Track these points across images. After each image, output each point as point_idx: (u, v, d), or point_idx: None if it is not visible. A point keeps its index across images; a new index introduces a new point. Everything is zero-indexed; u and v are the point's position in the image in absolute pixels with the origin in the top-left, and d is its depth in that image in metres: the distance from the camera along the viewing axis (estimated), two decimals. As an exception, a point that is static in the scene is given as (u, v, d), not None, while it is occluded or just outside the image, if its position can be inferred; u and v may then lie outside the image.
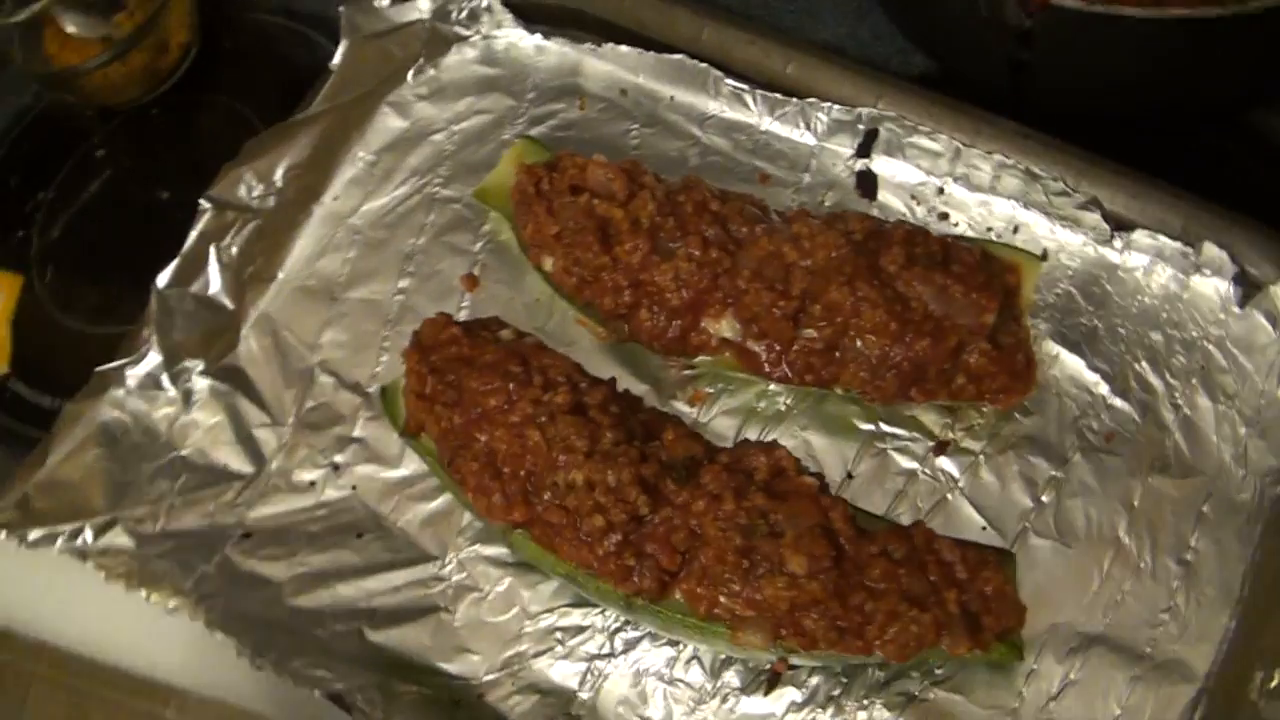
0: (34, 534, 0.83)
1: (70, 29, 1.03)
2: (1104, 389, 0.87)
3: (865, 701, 0.77)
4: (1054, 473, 0.84)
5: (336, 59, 1.00)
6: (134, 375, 0.89)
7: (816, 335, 0.82)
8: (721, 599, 0.73)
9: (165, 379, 0.90)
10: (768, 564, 0.73)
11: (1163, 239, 0.90)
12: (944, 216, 0.96)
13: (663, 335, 0.83)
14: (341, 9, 1.01)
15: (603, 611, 0.81)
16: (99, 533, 0.84)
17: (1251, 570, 0.78)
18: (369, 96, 1.01)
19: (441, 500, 0.85)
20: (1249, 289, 0.88)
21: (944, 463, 0.86)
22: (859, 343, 0.81)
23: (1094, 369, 0.88)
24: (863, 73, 0.99)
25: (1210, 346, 0.87)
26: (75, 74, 1.04)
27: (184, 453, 0.88)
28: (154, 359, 0.90)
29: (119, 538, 0.84)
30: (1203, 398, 0.86)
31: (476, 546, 0.84)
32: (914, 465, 0.86)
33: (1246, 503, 0.81)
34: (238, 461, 0.88)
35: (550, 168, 0.89)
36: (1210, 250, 0.88)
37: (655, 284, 0.82)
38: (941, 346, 0.81)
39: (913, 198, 0.97)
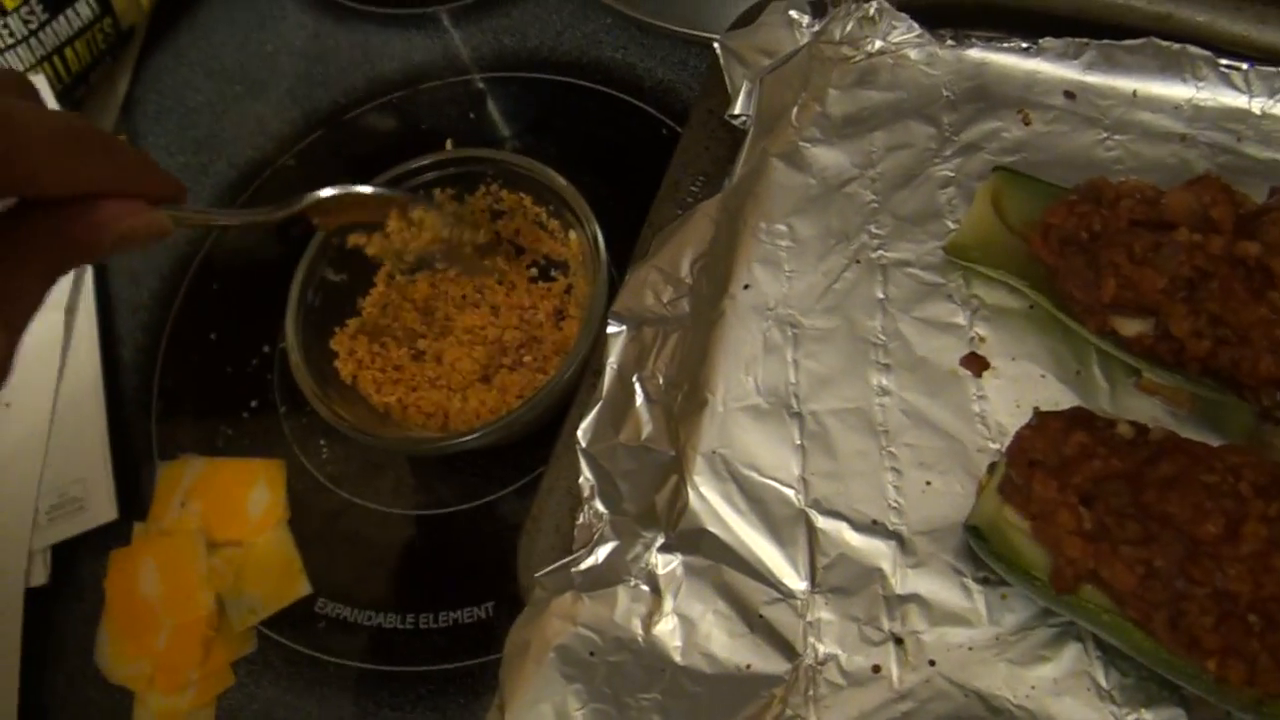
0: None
1: None
2: None
3: None
4: None
5: (740, 106, 0.94)
6: (584, 574, 0.80)
7: None
8: None
9: (623, 568, 0.80)
10: None
11: None
12: None
13: (1335, 396, 0.75)
14: (717, 45, 0.96)
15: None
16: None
17: None
18: (757, 154, 0.94)
19: (1067, 656, 0.75)
20: None
21: None
22: None
23: None
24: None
25: None
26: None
27: (682, 662, 0.77)
28: (607, 546, 0.80)
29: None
30: None
31: (1141, 713, 0.73)
32: None
33: None
34: (762, 659, 0.77)
35: (1093, 201, 0.81)
36: None
37: None
38: None
39: None
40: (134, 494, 1.02)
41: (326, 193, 0.88)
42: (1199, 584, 0.68)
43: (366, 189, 0.89)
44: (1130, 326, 0.80)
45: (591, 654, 0.77)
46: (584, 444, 0.83)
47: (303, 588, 0.95)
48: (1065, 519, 0.71)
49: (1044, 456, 0.74)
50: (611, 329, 0.86)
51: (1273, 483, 0.71)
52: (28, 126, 0.61)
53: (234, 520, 0.99)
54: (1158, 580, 0.68)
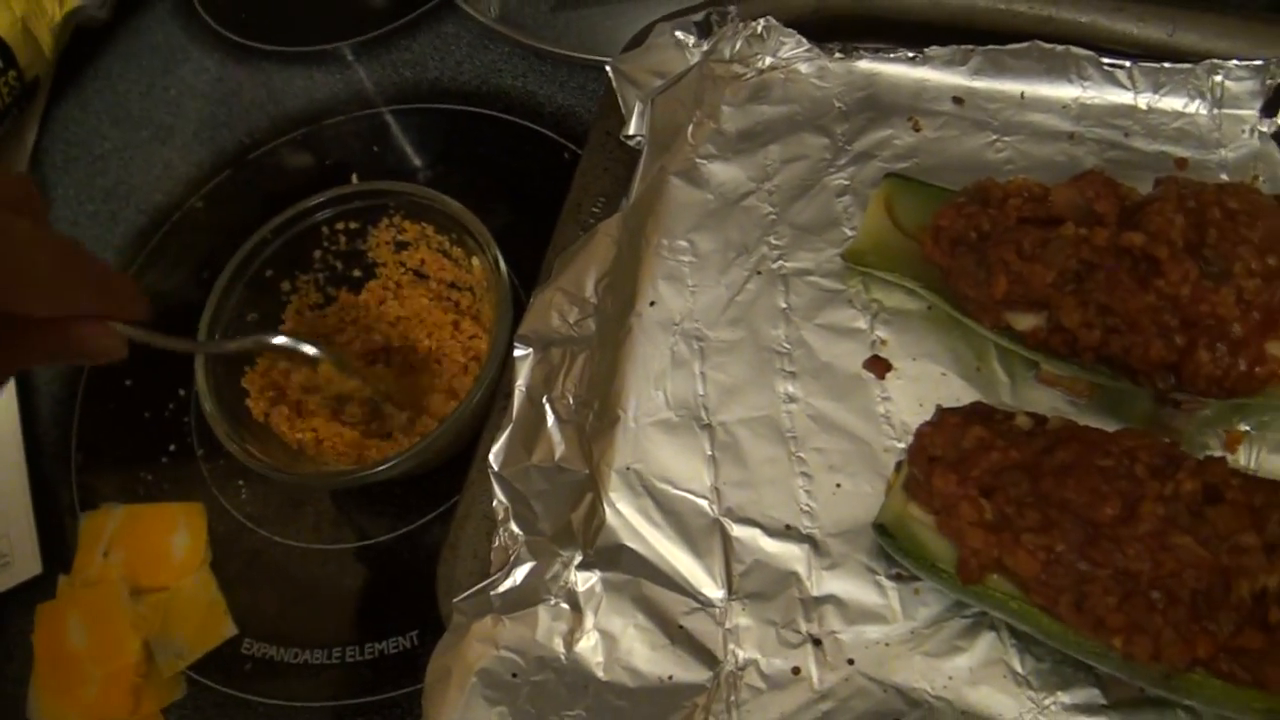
0: None
1: None
2: None
3: None
4: None
5: (634, 126, 0.96)
6: (502, 596, 0.80)
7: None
8: None
9: (542, 588, 0.80)
10: None
11: None
12: (1390, 158, 0.93)
13: (1226, 376, 0.77)
14: (608, 68, 0.98)
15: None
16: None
17: None
18: (655, 172, 0.95)
19: (982, 645, 0.77)
20: None
21: None
22: None
23: None
24: (1260, 20, 0.96)
25: None
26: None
27: (604, 677, 0.77)
28: (524, 567, 0.80)
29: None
30: None
31: (1058, 696, 0.74)
32: None
33: None
34: (684, 669, 0.77)
35: (980, 202, 0.83)
36: None
37: (1215, 315, 0.76)
38: None
39: (1344, 146, 0.94)
40: (59, 546, 1.01)
41: (277, 341, 0.91)
42: (1100, 565, 0.69)
43: (312, 350, 0.90)
44: (1023, 321, 0.81)
45: (514, 675, 0.77)
46: (496, 467, 0.83)
47: (228, 629, 0.94)
48: (966, 511, 0.72)
49: (943, 452, 0.75)
50: (518, 352, 0.87)
51: (1168, 463, 0.72)
52: (29, 252, 0.61)
53: (157, 566, 0.99)
54: (1060, 565, 0.70)
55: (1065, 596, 0.69)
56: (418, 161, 1.16)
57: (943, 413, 0.78)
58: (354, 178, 1.12)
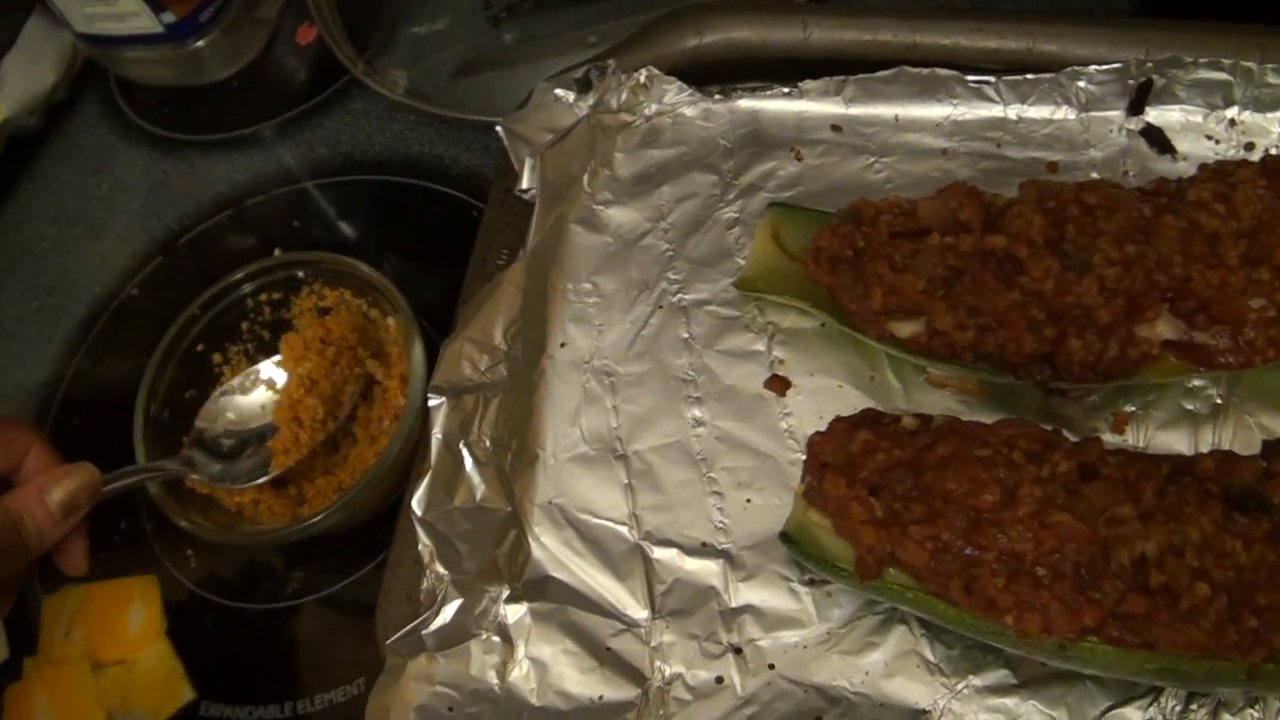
0: None
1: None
2: None
3: None
4: None
5: (527, 180, 0.98)
6: (434, 634, 0.80)
7: (1267, 302, 0.79)
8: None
9: (472, 623, 0.81)
10: None
11: None
12: (1249, 147, 0.96)
13: (1099, 361, 0.78)
14: (499, 128, 1.00)
15: (1156, 700, 0.73)
16: None
17: None
18: (554, 221, 0.97)
19: (894, 638, 0.78)
20: None
21: None
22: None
23: None
24: (1115, 26, 1.00)
25: None
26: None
27: (537, 703, 0.78)
28: (452, 605, 0.81)
29: None
30: None
31: (969, 679, 0.76)
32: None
33: None
34: (613, 688, 0.78)
35: (854, 221, 0.85)
36: None
37: (1081, 305, 0.78)
38: None
39: (1208, 138, 0.96)
40: (25, 630, 1.01)
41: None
42: (985, 549, 0.70)
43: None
44: (904, 329, 0.83)
45: (450, 709, 0.78)
46: (419, 513, 0.83)
47: (186, 694, 0.94)
48: (857, 511, 0.73)
49: (833, 458, 0.76)
50: (432, 402, 0.87)
51: (1045, 448, 0.74)
52: None
53: (116, 639, 0.98)
54: (947, 552, 0.71)
55: (955, 581, 0.71)
56: (337, 231, 1.17)
57: (833, 421, 0.79)
58: (277, 251, 1.13)
